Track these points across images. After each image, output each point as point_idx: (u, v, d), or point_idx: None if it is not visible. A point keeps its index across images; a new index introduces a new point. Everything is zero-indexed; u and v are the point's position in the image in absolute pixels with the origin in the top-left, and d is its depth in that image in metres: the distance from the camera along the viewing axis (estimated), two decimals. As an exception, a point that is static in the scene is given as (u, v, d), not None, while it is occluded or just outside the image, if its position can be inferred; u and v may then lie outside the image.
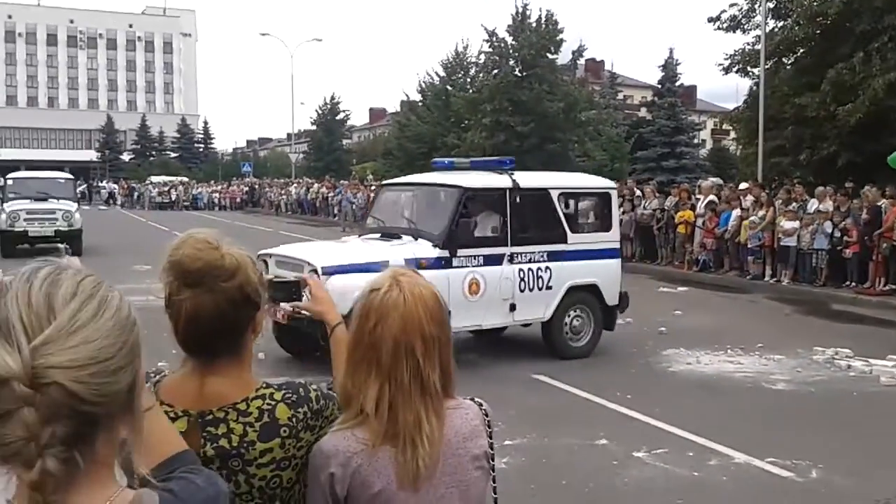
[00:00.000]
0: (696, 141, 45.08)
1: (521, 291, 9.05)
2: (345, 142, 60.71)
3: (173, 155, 75.02)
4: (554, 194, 9.47)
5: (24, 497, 0.92)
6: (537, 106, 31.06)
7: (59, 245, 18.26)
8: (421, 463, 1.63)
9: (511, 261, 9.03)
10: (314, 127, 57.47)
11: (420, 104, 42.19)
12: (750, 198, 17.47)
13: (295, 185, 44.78)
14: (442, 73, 41.31)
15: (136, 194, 52.69)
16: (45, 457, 0.90)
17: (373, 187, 34.20)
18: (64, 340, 0.93)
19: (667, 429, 6.81)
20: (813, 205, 16.20)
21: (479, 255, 8.87)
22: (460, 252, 8.71)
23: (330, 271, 7.86)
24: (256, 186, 49.91)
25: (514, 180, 9.20)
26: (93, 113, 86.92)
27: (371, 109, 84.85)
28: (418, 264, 8.11)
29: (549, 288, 9.21)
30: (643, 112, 46.62)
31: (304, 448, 1.70)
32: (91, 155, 75.96)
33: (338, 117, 57.59)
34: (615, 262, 9.87)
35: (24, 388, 0.90)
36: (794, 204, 16.43)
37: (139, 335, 1.03)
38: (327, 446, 1.65)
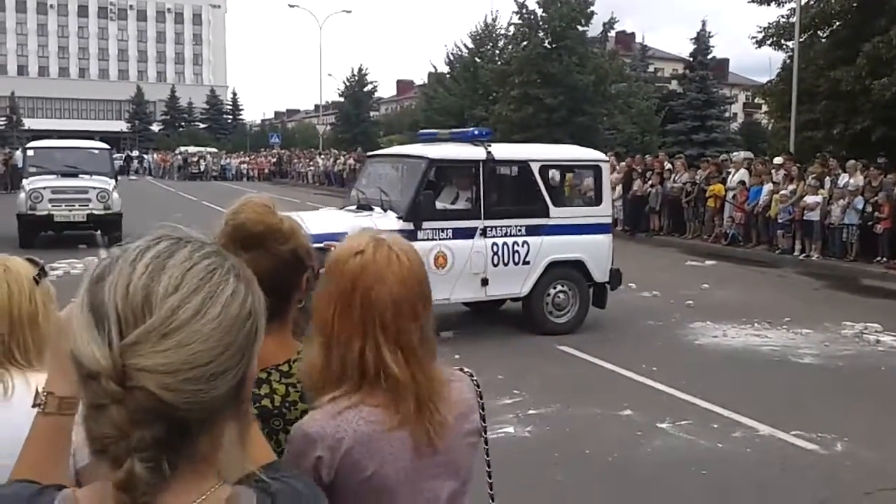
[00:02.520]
0: (727, 115, 44.37)
1: (495, 266, 8.81)
2: (372, 114, 60.59)
3: (202, 126, 75.44)
4: (534, 167, 9.15)
5: (111, 496, 0.86)
6: (566, 78, 30.74)
7: (93, 233, 16.01)
8: (444, 424, 1.55)
9: (484, 234, 8.79)
10: (342, 99, 57.37)
11: (448, 76, 41.95)
12: (782, 172, 17.26)
13: (322, 156, 44.87)
14: (470, 45, 40.96)
15: (176, 165, 52.69)
16: (134, 459, 0.84)
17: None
18: (156, 342, 0.85)
19: (691, 401, 6.82)
20: (844, 179, 15.96)
21: (447, 229, 8.64)
22: (425, 225, 8.51)
23: None
24: (284, 158, 50.09)
25: (488, 152, 8.92)
26: (123, 84, 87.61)
27: (399, 81, 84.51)
28: None
29: (526, 263, 8.95)
30: (674, 85, 45.92)
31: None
32: (121, 126, 76.64)
33: (365, 89, 57.41)
34: (605, 238, 9.50)
35: (113, 385, 0.84)
36: (826, 178, 16.20)
37: (256, 328, 0.93)
38: (313, 428, 1.51)
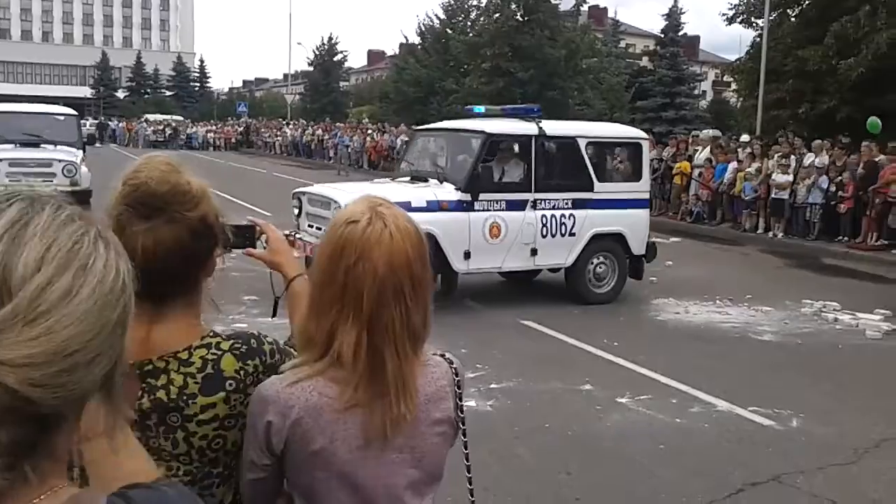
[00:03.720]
0: (696, 92, 44.68)
1: (543, 237, 9.21)
2: (342, 84, 60.00)
3: (168, 93, 74.20)
4: (581, 143, 9.56)
5: None
6: (538, 52, 30.67)
7: None
8: (401, 418, 1.46)
9: (534, 207, 9.18)
10: (311, 68, 56.75)
11: (419, 47, 41.62)
12: (748, 150, 17.40)
13: (290, 126, 44.41)
14: (442, 16, 40.64)
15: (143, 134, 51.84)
16: None
17: (369, 131, 34.00)
18: (20, 331, 0.70)
19: (651, 376, 6.87)
20: (809, 158, 16.13)
21: (501, 200, 9.03)
22: (482, 196, 8.88)
23: None
24: (252, 127, 49.50)
25: (540, 128, 9.30)
26: (88, 49, 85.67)
27: (370, 51, 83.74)
28: (440, 206, 8.61)
29: (571, 235, 9.36)
30: (645, 61, 46.08)
31: None
32: (85, 92, 75.07)
33: (335, 59, 56.77)
34: (643, 213, 10.03)
35: None
36: (792, 158, 16.36)
37: (129, 303, 0.79)
38: (268, 391, 1.45)
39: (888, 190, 14.21)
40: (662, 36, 40.65)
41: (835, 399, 6.53)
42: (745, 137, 18.85)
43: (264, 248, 1.89)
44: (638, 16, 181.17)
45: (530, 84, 30.99)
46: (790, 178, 15.81)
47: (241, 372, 1.49)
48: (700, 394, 6.42)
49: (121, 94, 75.09)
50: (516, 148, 9.45)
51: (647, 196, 10.34)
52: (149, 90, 74.87)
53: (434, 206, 8.65)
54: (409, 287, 1.45)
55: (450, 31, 39.38)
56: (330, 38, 56.51)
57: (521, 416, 5.88)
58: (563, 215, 9.31)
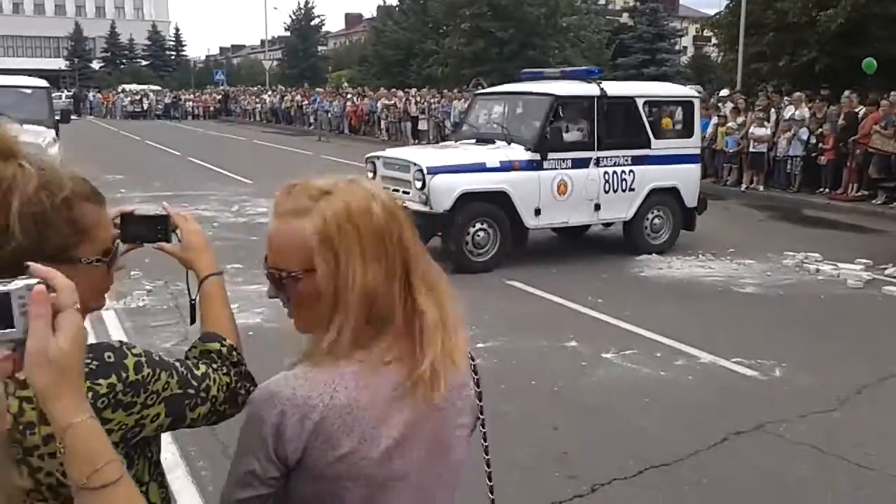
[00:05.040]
0: (677, 48, 44.45)
1: (606, 193, 9.71)
2: (320, 48, 59.38)
3: (144, 63, 73.16)
4: (639, 102, 10.00)
5: None
6: (517, 11, 30.41)
7: None
8: (439, 379, 1.34)
9: (597, 164, 9.65)
10: (288, 33, 56.07)
11: (397, 9, 41.14)
12: (729, 104, 17.39)
13: (269, 93, 43.96)
14: (420, -23, 40.16)
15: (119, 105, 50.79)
16: None
17: (349, 95, 33.69)
18: None
19: (635, 331, 6.93)
20: (789, 111, 16.14)
21: (567, 159, 9.47)
22: (550, 155, 9.33)
23: (434, 171, 8.85)
24: (230, 95, 48.96)
25: (602, 89, 9.75)
26: (60, 19, 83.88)
27: (347, 15, 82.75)
28: (511, 166, 9.10)
29: (631, 190, 9.86)
30: (625, 18, 45.78)
31: (117, 432, 1.22)
32: (60, 63, 73.82)
33: (312, 23, 56.15)
34: (695, 167, 10.60)
35: None
36: (772, 111, 16.37)
37: None
38: (281, 388, 1.28)
39: (868, 140, 14.27)
40: (642, -9, 40.35)
41: (817, 348, 6.61)
42: (724, 92, 18.80)
43: (179, 240, 1.62)
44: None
45: (510, 44, 30.78)
46: (768, 131, 15.84)
47: (90, 394, 1.17)
48: (684, 347, 6.48)
49: (96, 65, 73.91)
50: (580, 108, 9.83)
51: (698, 151, 10.91)
52: (124, 60, 73.75)
53: (507, 166, 9.13)
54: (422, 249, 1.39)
55: (428, -8, 38.94)
56: (306, 3, 55.85)
57: (507, 373, 5.92)
58: (623, 171, 9.80)
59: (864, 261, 9.51)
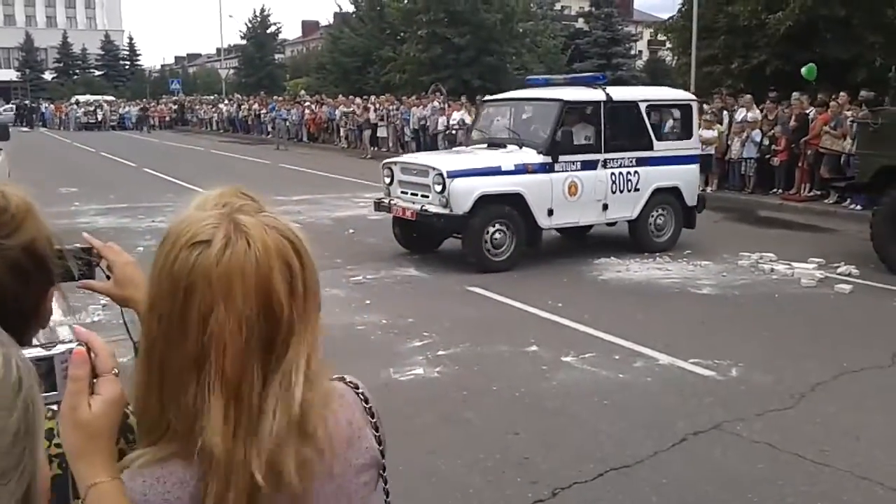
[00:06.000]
0: (632, 52, 45.01)
1: (613, 193, 10.15)
2: (277, 56, 59.00)
3: (98, 73, 72.07)
4: (642, 106, 10.47)
5: None
6: (474, 17, 30.51)
7: None
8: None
9: (604, 166, 10.11)
10: (244, 41, 55.62)
11: (354, 16, 41.04)
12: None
13: (226, 102, 43.57)
14: (376, -16, 40.10)
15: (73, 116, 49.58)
16: None
17: (307, 102, 33.52)
18: None
19: (595, 334, 6.99)
20: (741, 113, 16.42)
21: (577, 161, 9.89)
22: (561, 158, 9.73)
23: (454, 174, 9.21)
24: (186, 104, 48.41)
25: (607, 94, 10.25)
26: (10, 30, 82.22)
27: (304, 22, 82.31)
28: (526, 169, 9.51)
29: (636, 190, 10.32)
30: (580, 23, 46.19)
31: None
32: (11, 74, 72.44)
33: (269, 31, 55.75)
34: (694, 167, 11.08)
35: None
36: (724, 113, 16.64)
37: (33, 399, 0.60)
38: (134, 494, 1.02)
39: (819, 141, 14.58)
40: (597, -3, 40.77)
41: (772, 347, 6.72)
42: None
43: (107, 276, 1.40)
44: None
45: (467, 50, 30.87)
46: (715, 133, 16.07)
47: None
48: (642, 349, 6.55)
49: (48, 75, 72.62)
50: (587, 113, 10.29)
51: (697, 152, 11.42)
52: (77, 70, 72.57)
53: (521, 169, 9.53)
54: (285, 328, 1.03)
55: (384, -1, 38.93)
56: (262, 10, 55.68)
57: (468, 380, 5.93)
58: (628, 172, 10.25)
59: (817, 260, 9.70)
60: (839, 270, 9.36)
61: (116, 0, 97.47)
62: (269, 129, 34.04)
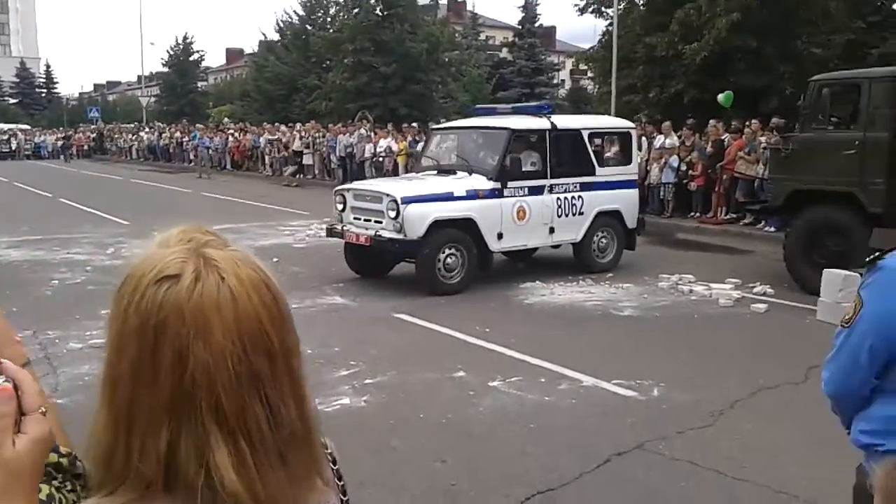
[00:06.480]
0: (555, 81, 46.00)
1: (559, 217, 10.57)
2: (200, 84, 58.18)
3: (13, 101, 69.90)
4: (585, 133, 10.95)
5: None
6: (400, 46, 30.74)
7: None
8: None
9: (550, 191, 10.50)
10: (166, 69, 54.76)
11: (279, 44, 40.89)
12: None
13: (146, 130, 42.73)
14: (301, 12, 40.09)
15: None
16: None
17: (230, 130, 33.12)
18: None
19: (521, 358, 7.03)
20: (660, 140, 16.90)
21: (524, 187, 10.25)
22: (510, 184, 10.07)
23: (408, 200, 9.44)
24: (105, 132, 47.29)
25: (552, 122, 10.64)
26: (-84, 55, 79.42)
27: (228, 50, 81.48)
28: (477, 194, 9.79)
29: (581, 213, 10.76)
30: (504, 53, 47.00)
31: None
32: (-82, 102, 69.68)
33: (192, 58, 55.01)
34: (634, 192, 11.57)
35: None
36: (643, 140, 17.09)
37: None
38: None
39: (734, 166, 15.09)
40: (520, 27, 41.62)
41: (692, 366, 6.88)
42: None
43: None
44: (495, 8, 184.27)
45: (393, 78, 31.03)
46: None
47: None
48: (567, 371, 6.62)
49: (-41, 103, 70.13)
50: (533, 141, 10.63)
51: (636, 177, 11.96)
52: (-10, 98, 70.28)
53: (472, 195, 9.82)
54: (266, 368, 0.96)
55: (309, 28, 38.92)
56: (185, 38, 54.80)
57: (395, 408, 5.89)
58: (573, 197, 10.69)
59: (733, 280, 10.00)
60: (755, 290, 9.67)
61: (32, 27, 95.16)
62: (192, 156, 33.50)
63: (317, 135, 26.17)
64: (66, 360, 6.84)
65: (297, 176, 25.73)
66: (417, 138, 20.90)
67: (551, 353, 7.09)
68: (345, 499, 1.15)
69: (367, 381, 6.46)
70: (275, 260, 11.77)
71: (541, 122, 10.64)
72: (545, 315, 8.81)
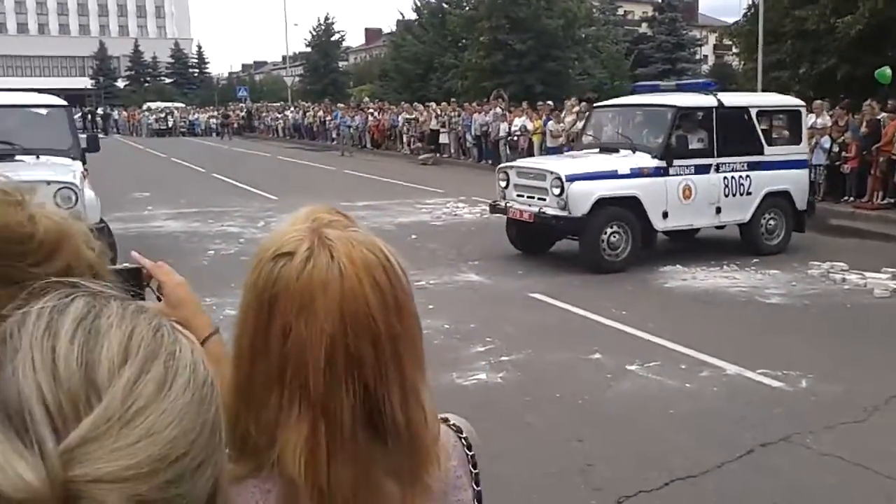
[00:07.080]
0: (697, 57, 44.41)
1: (726, 197, 10.41)
2: (341, 64, 59.77)
3: (168, 80, 74.12)
4: (752, 111, 10.78)
5: None
6: (535, 23, 30.47)
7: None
8: None
9: (717, 170, 10.36)
10: (309, 49, 56.53)
11: (416, 23, 41.38)
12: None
13: (291, 109, 44.32)
14: (438, -9, 40.39)
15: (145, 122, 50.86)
16: None
17: (370, 109, 33.90)
18: (117, 435, 0.55)
19: (660, 343, 6.92)
20: (811, 119, 16.04)
21: (690, 165, 10.14)
22: (675, 162, 9.98)
23: (572, 178, 9.47)
24: (253, 111, 49.42)
25: (718, 100, 10.54)
26: (85, 39, 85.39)
27: (367, 30, 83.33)
28: (642, 172, 9.75)
29: (748, 194, 10.55)
30: (643, 28, 45.74)
31: None
32: (85, 82, 74.98)
33: (333, 38, 56.51)
34: (804, 172, 11.35)
35: None
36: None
37: (220, 400, 0.65)
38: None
39: (892, 148, 14.17)
40: (660, 1, 40.34)
41: (843, 359, 6.58)
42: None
43: (158, 298, 1.34)
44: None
45: (529, 55, 30.83)
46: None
47: None
48: (709, 358, 6.47)
49: (121, 83, 75.01)
50: (699, 118, 10.51)
51: (806, 157, 11.62)
52: (148, 78, 74.76)
53: (637, 173, 9.76)
54: (370, 352, 0.96)
55: (446, 6, 39.14)
56: (326, 18, 56.30)
57: (531, 386, 5.95)
58: (740, 176, 10.48)
59: (890, 269, 9.42)
60: (914, 281, 9.10)
61: (185, 10, 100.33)
62: (334, 135, 34.53)
63: (452, 114, 26.40)
64: (224, 326, 7.24)
65: (435, 155, 26.05)
66: (550, 116, 20.77)
67: (692, 338, 6.94)
68: (477, 488, 1.13)
69: (504, 358, 6.55)
70: (413, 237, 12.05)
71: (707, 100, 10.53)
72: (686, 299, 8.62)
